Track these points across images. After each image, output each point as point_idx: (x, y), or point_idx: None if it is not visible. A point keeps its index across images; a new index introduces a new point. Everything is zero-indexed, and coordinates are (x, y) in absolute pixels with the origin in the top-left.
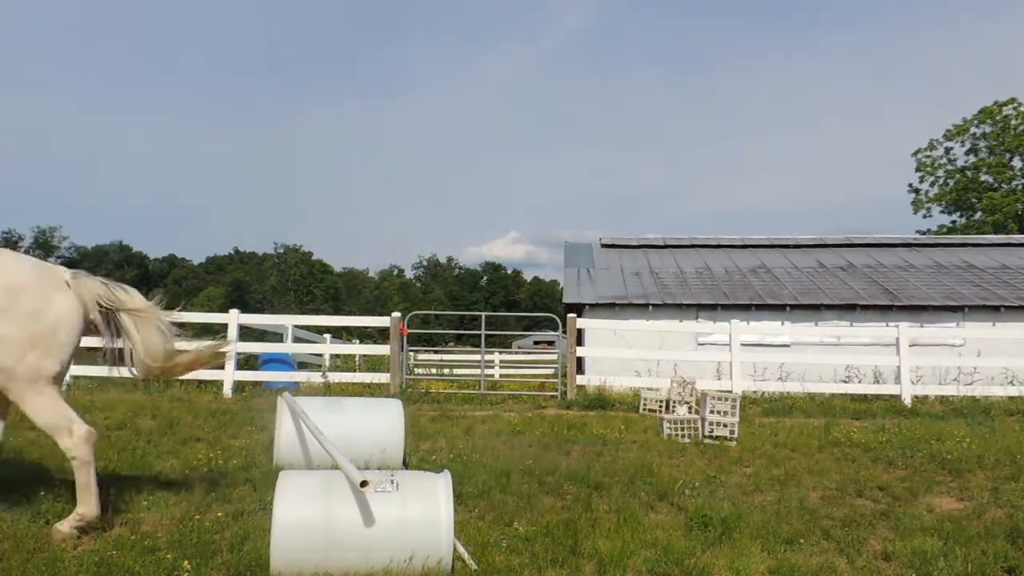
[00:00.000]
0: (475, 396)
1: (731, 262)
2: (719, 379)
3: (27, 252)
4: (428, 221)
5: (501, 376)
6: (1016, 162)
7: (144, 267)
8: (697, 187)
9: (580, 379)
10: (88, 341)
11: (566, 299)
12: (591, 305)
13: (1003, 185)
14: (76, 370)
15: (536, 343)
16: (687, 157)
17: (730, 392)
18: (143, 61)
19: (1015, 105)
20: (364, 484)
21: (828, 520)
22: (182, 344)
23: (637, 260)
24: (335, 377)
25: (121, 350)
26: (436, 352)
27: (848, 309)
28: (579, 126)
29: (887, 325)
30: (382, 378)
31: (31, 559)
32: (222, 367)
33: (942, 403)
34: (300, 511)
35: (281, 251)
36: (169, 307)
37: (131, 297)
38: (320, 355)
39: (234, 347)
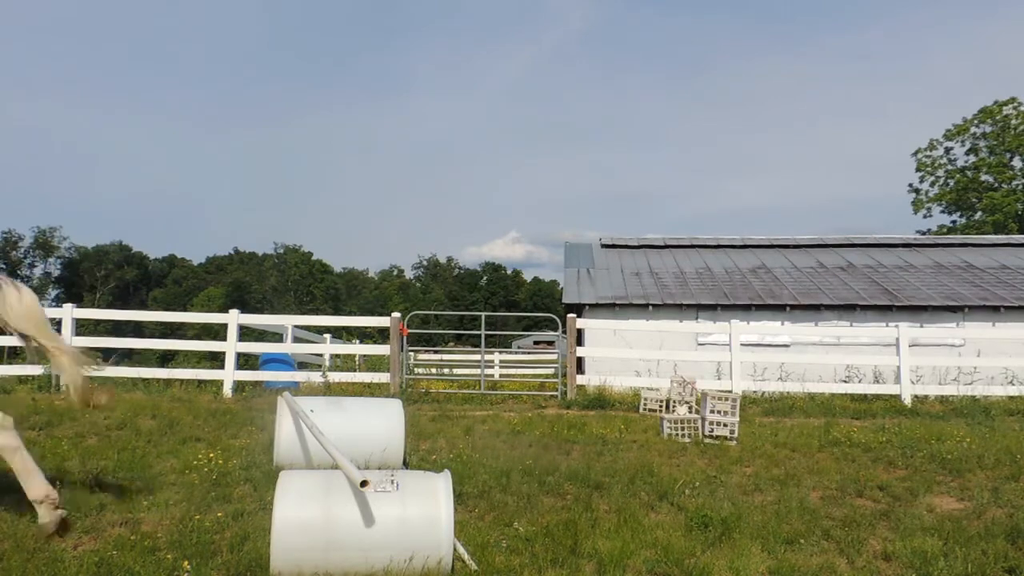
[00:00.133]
0: (475, 396)
1: (731, 262)
2: (719, 379)
3: (27, 252)
4: (428, 221)
5: (501, 376)
6: (1016, 162)
7: (144, 267)
8: (697, 187)
9: (580, 379)
10: (88, 341)
11: (566, 299)
12: (591, 305)
13: (1003, 185)
14: None
15: (536, 343)
16: (687, 157)
17: (730, 392)
18: (143, 61)
19: (1015, 105)
20: (364, 484)
21: (828, 520)
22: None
23: (637, 260)
24: (335, 377)
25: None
26: (436, 352)
27: (848, 309)
28: (579, 126)
29: (887, 325)
30: (382, 378)
31: (31, 559)
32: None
33: (942, 403)
34: (300, 511)
35: (281, 251)
36: (169, 307)
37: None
38: (320, 355)
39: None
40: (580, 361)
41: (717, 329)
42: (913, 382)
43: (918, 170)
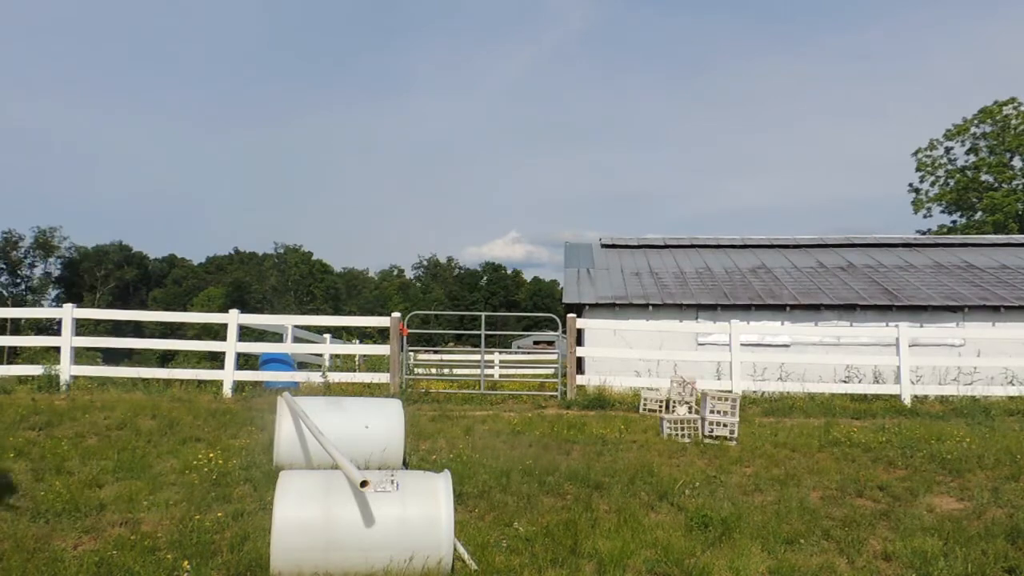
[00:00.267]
0: (475, 396)
1: (731, 262)
2: (719, 379)
3: (27, 252)
4: (428, 221)
5: (501, 376)
6: (1016, 162)
7: (144, 267)
8: (697, 187)
9: (580, 379)
10: (88, 341)
11: (566, 299)
12: (591, 305)
13: (1003, 185)
14: (76, 370)
15: (536, 343)
16: (687, 157)
17: (730, 392)
18: (143, 61)
19: (1015, 105)
20: (364, 484)
21: (828, 520)
22: None
23: (637, 260)
24: (335, 377)
25: None
26: (436, 352)
27: (848, 309)
28: (579, 126)
29: (887, 325)
30: (382, 378)
31: (31, 559)
32: None
33: (942, 403)
34: (300, 511)
35: (281, 251)
36: (169, 307)
37: None
38: (320, 355)
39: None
40: (580, 361)
41: (717, 329)
42: (913, 382)
43: (918, 170)
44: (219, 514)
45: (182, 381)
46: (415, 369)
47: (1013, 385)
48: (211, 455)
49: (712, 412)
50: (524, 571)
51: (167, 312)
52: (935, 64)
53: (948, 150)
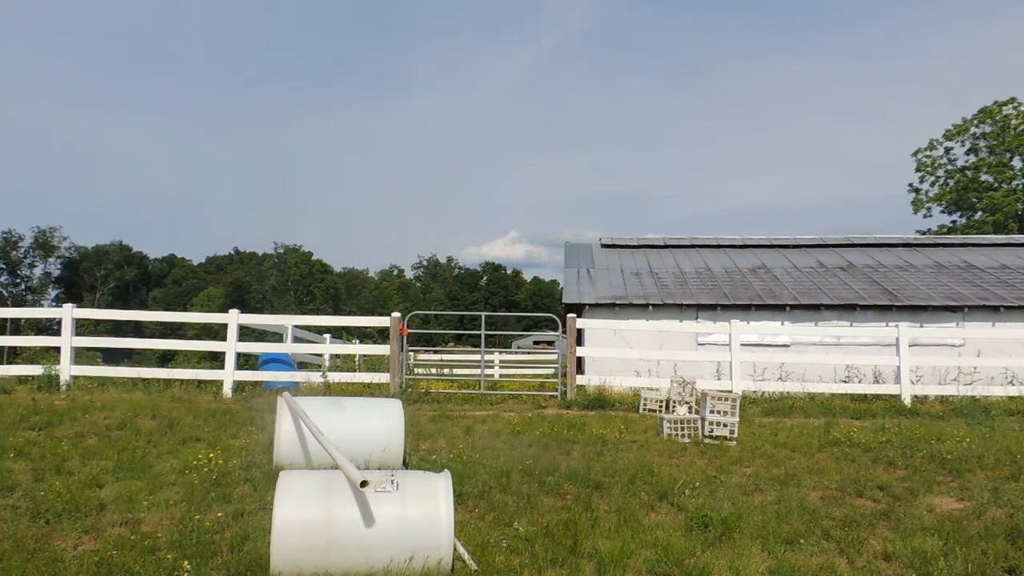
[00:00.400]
0: (475, 396)
1: (731, 262)
2: (719, 379)
3: (27, 252)
4: (428, 221)
5: (501, 376)
6: (1016, 162)
7: (144, 267)
8: (697, 187)
9: (580, 379)
10: (88, 341)
11: (566, 299)
12: (591, 305)
13: (1003, 185)
14: (76, 370)
15: (536, 343)
16: (687, 157)
17: (730, 392)
18: (143, 61)
19: (1015, 105)
20: (364, 484)
21: (828, 520)
22: None
23: (637, 260)
24: (335, 377)
25: None
26: (436, 352)
27: (848, 309)
28: (579, 126)
29: (887, 325)
30: (382, 378)
31: (31, 559)
32: None
33: (942, 403)
34: (300, 511)
35: (281, 251)
36: (169, 307)
37: None
38: (320, 355)
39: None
40: (580, 361)
41: (717, 329)
42: (913, 382)
43: (918, 170)
44: (219, 514)
45: (182, 381)
46: (415, 369)
47: (1013, 385)
48: (211, 455)
49: (712, 412)
50: (524, 571)
51: (167, 312)
52: (935, 64)
53: (948, 150)
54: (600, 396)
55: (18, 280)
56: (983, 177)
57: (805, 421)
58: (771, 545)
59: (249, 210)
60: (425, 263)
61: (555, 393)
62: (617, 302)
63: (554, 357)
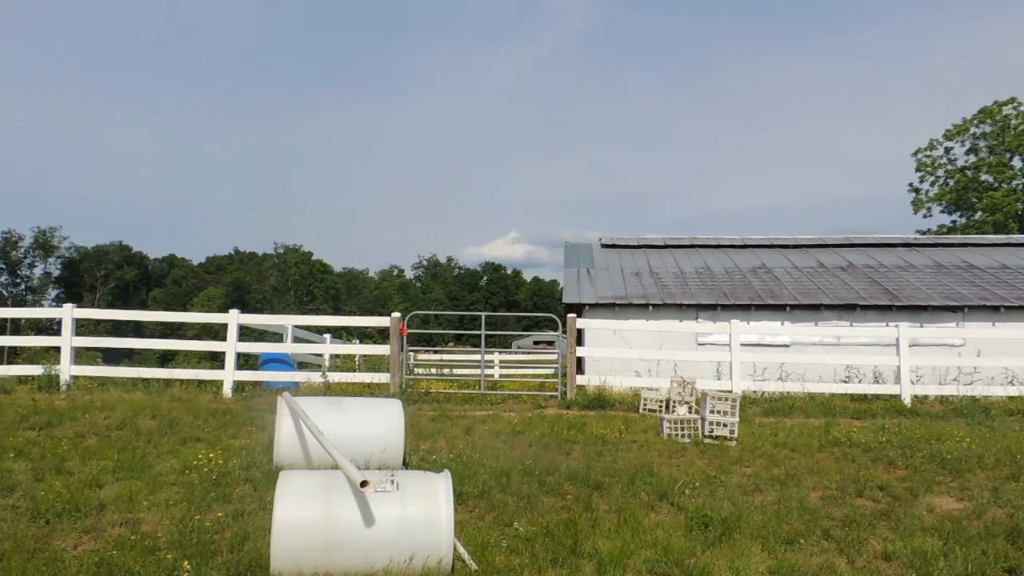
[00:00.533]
0: (475, 396)
1: (731, 262)
2: (719, 379)
3: (27, 252)
4: (428, 221)
5: (501, 376)
6: (1016, 162)
7: (144, 267)
8: (697, 187)
9: (580, 379)
10: (88, 341)
11: (566, 299)
12: (591, 305)
13: (1003, 185)
14: (76, 370)
15: (536, 343)
16: (687, 157)
17: (730, 392)
18: (143, 61)
19: (1015, 105)
20: (364, 484)
21: (828, 520)
22: None
23: (637, 260)
24: (335, 377)
25: None
26: (436, 352)
27: (848, 309)
28: (579, 126)
29: (887, 325)
30: (382, 378)
31: (31, 559)
32: None
33: (942, 403)
34: (300, 511)
35: (281, 251)
36: (169, 307)
37: None
38: (320, 355)
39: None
40: (580, 361)
41: (717, 329)
42: (913, 382)
43: (918, 170)
44: (219, 514)
45: (182, 381)
46: (415, 369)
47: (1013, 385)
48: (211, 455)
49: (712, 412)
50: (524, 571)
51: (167, 312)
52: (935, 64)
53: (948, 150)
54: (600, 396)
55: (18, 280)
56: (983, 177)
57: (805, 421)
58: (771, 545)
59: (249, 210)
60: (425, 263)
61: (555, 393)
62: (617, 302)
63: (554, 357)
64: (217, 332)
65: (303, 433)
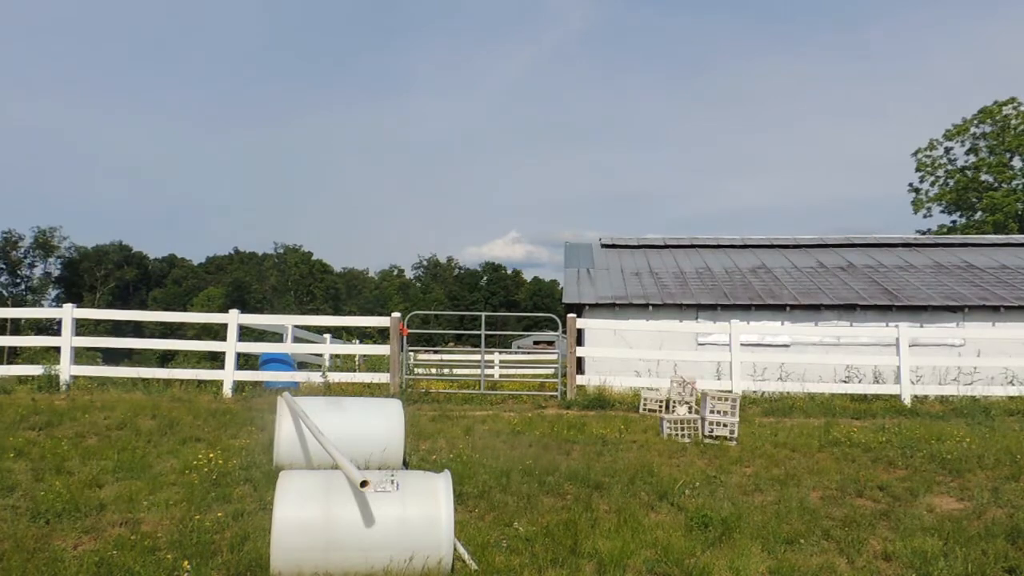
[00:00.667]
0: (475, 396)
1: (731, 262)
2: (719, 379)
3: (27, 252)
4: (428, 221)
5: (501, 376)
6: (1016, 162)
7: (144, 267)
8: (697, 187)
9: (580, 379)
10: (88, 341)
11: (566, 299)
12: (591, 305)
13: (1003, 185)
14: (76, 370)
15: (536, 343)
16: (687, 157)
17: (730, 392)
18: (143, 61)
19: (1015, 105)
20: (364, 484)
21: (828, 520)
22: None
23: (637, 260)
24: (335, 377)
25: None
26: (436, 352)
27: (848, 309)
28: (579, 126)
29: (887, 325)
30: (382, 378)
31: (31, 559)
32: None
33: (942, 403)
34: (300, 511)
35: (281, 251)
36: (169, 307)
37: None
38: (320, 355)
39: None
40: (580, 361)
41: (717, 329)
42: (913, 382)
43: (918, 170)
44: (219, 514)
45: (182, 381)
46: (415, 369)
47: (1013, 385)
48: (211, 455)
49: (712, 412)
50: (524, 571)
51: (167, 312)
52: (935, 64)
53: (948, 150)
54: (600, 396)
55: (18, 280)
56: (983, 177)
57: (805, 421)
58: (771, 545)
59: (249, 210)
60: (425, 263)
61: (555, 393)
62: (617, 302)
63: (554, 357)
64: (217, 332)
65: (303, 433)
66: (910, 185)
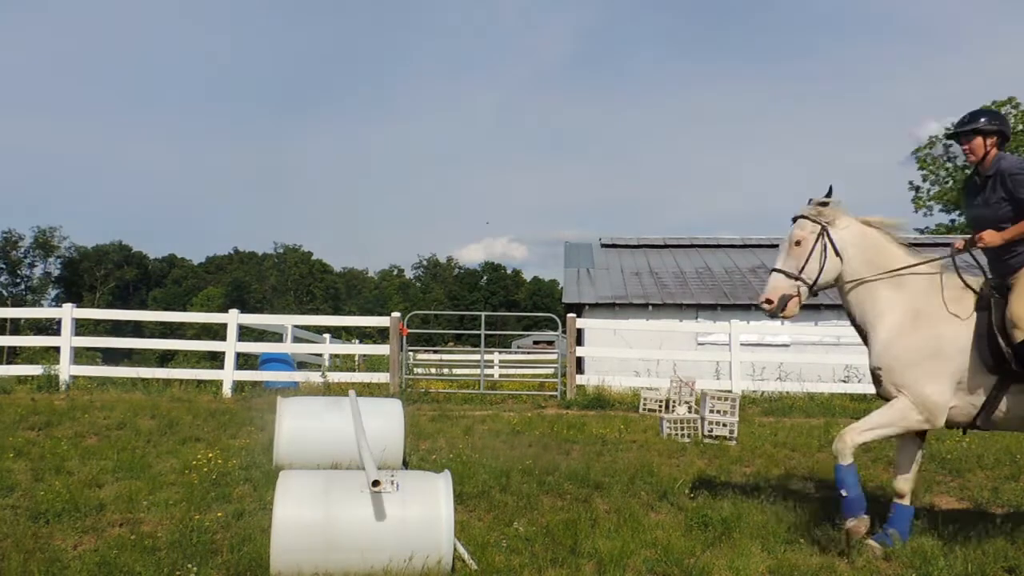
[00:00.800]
0: (475, 396)
1: (731, 262)
2: (719, 379)
3: (27, 252)
4: (428, 221)
5: (501, 376)
6: None
7: (144, 267)
8: (697, 188)
9: (580, 379)
10: (88, 341)
11: (566, 299)
12: (591, 305)
13: None
14: (76, 370)
15: (536, 343)
16: (687, 157)
17: (730, 392)
18: (143, 61)
19: (1015, 105)
20: (376, 484)
21: (828, 520)
22: None
23: (637, 260)
24: (335, 377)
25: None
26: (436, 352)
27: None
28: (579, 126)
29: None
30: (382, 378)
31: (31, 559)
32: None
33: None
34: (300, 511)
35: (281, 251)
36: (169, 307)
37: None
38: (320, 355)
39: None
40: (580, 361)
41: (717, 329)
42: None
43: (919, 168)
44: (219, 514)
45: (182, 381)
46: (415, 369)
47: None
48: (211, 455)
49: (712, 412)
50: (524, 571)
51: (167, 312)
52: (935, 64)
53: (948, 148)
54: (600, 396)
55: (18, 280)
56: None
57: (805, 421)
58: (771, 545)
59: (249, 210)
60: (425, 263)
61: (555, 393)
62: (617, 302)
63: (554, 357)
64: (217, 332)
65: (303, 433)
66: (910, 183)
